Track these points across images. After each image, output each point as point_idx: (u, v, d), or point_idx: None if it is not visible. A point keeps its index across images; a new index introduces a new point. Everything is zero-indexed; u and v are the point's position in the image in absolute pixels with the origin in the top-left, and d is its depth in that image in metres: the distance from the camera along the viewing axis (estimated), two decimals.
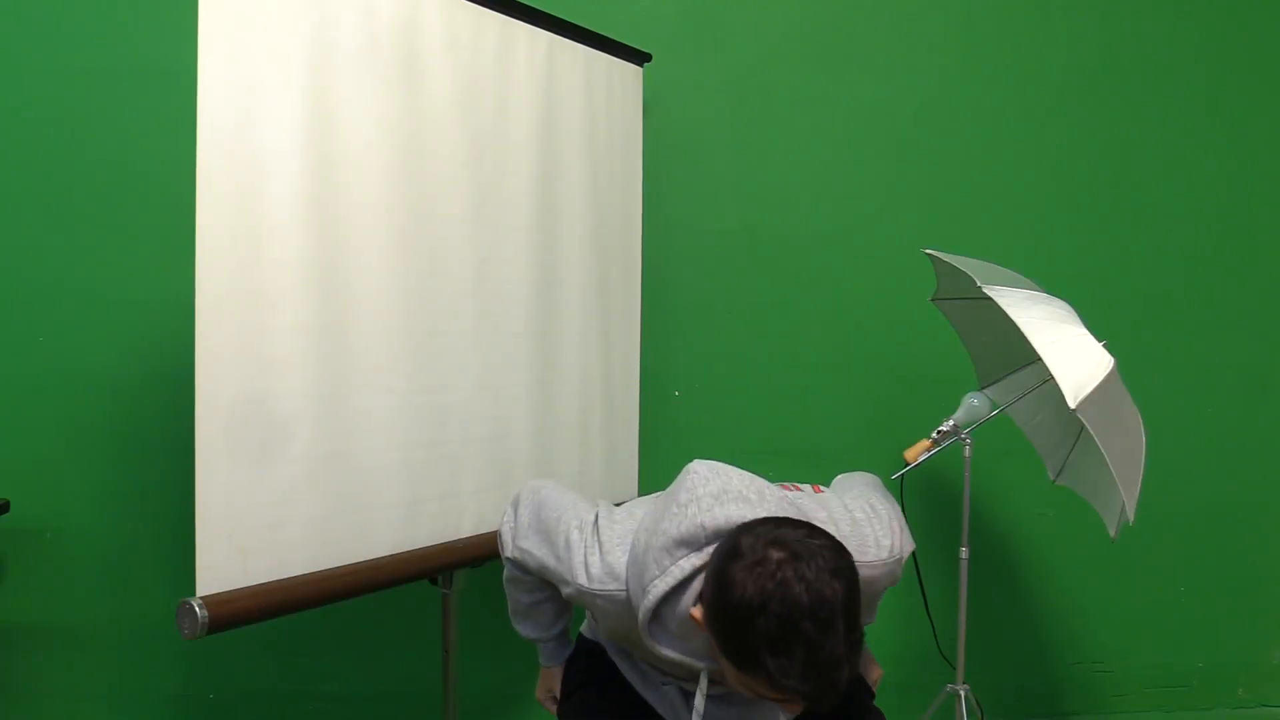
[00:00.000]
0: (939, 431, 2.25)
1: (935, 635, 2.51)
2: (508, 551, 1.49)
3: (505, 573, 1.55)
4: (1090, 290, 2.79)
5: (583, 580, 1.30)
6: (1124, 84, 2.86)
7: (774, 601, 1.04)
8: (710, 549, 1.20)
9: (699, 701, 1.29)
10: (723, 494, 1.23)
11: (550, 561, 1.37)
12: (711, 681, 1.33)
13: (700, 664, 1.24)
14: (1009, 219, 2.84)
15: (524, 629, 1.60)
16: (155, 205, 2.48)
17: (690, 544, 1.20)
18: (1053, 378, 1.81)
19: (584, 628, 1.68)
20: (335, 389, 1.75)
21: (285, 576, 1.65)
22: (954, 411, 2.26)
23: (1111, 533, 2.09)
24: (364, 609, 2.57)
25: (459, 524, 2.00)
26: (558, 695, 1.63)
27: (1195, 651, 2.95)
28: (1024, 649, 2.90)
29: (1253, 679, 2.97)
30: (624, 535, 1.31)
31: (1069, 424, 2.24)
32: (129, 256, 2.49)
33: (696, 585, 1.20)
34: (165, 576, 2.52)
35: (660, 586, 1.20)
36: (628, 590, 1.26)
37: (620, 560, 1.28)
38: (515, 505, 1.51)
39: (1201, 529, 2.92)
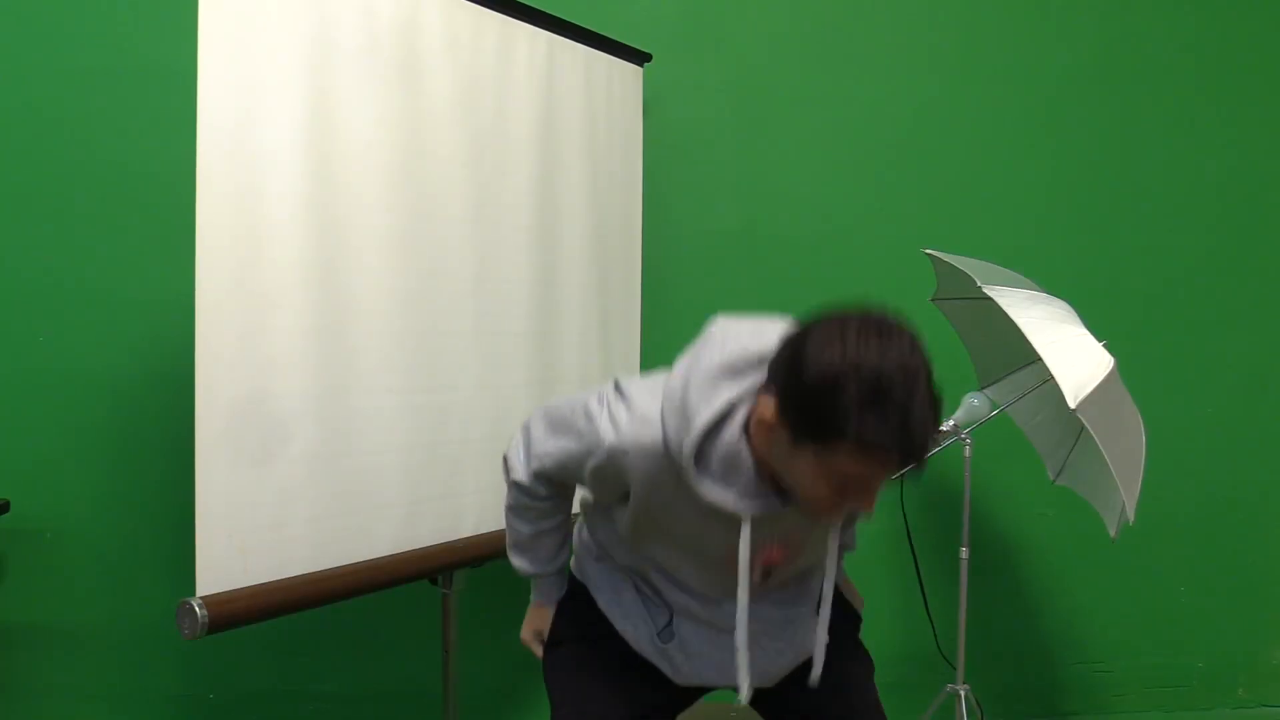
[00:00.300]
0: (939, 431, 2.25)
1: (935, 635, 2.51)
2: (517, 474, 1.43)
3: (509, 500, 1.48)
4: (1090, 290, 2.79)
5: (611, 438, 1.23)
6: (1123, 84, 2.86)
7: (863, 367, 1.01)
8: (750, 379, 1.18)
9: (745, 532, 1.23)
10: (758, 329, 1.22)
11: (572, 445, 1.32)
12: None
13: (744, 505, 1.20)
14: (1009, 219, 2.84)
15: (522, 562, 1.53)
16: (155, 205, 2.48)
17: (734, 370, 1.19)
18: (1053, 378, 1.81)
19: (573, 565, 1.59)
20: (335, 389, 1.75)
21: (285, 576, 1.66)
22: (954, 411, 2.26)
23: (1111, 533, 2.09)
24: (364, 609, 2.56)
25: (459, 524, 2.00)
26: (545, 637, 1.55)
27: (1195, 651, 2.95)
28: (1024, 649, 2.90)
29: (1253, 679, 2.97)
30: (653, 387, 1.27)
31: (1069, 424, 2.24)
32: (129, 256, 2.49)
33: (739, 416, 1.18)
34: (165, 576, 2.52)
35: (706, 414, 1.16)
36: (664, 434, 1.21)
37: (653, 406, 1.23)
38: (525, 428, 1.46)
39: (1201, 529, 2.92)
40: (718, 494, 1.20)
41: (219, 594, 1.55)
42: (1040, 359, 1.84)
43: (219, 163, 1.55)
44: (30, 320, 2.47)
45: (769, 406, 1.11)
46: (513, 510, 1.48)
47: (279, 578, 1.64)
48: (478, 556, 2.01)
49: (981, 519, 2.84)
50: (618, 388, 1.30)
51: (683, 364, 1.24)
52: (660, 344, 2.70)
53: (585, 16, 2.34)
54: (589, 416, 1.29)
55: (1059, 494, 2.50)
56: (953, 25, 2.81)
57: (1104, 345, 1.92)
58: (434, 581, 2.02)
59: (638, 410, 1.24)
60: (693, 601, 1.40)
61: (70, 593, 2.52)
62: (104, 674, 2.54)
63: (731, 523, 1.24)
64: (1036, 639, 2.91)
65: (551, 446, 1.37)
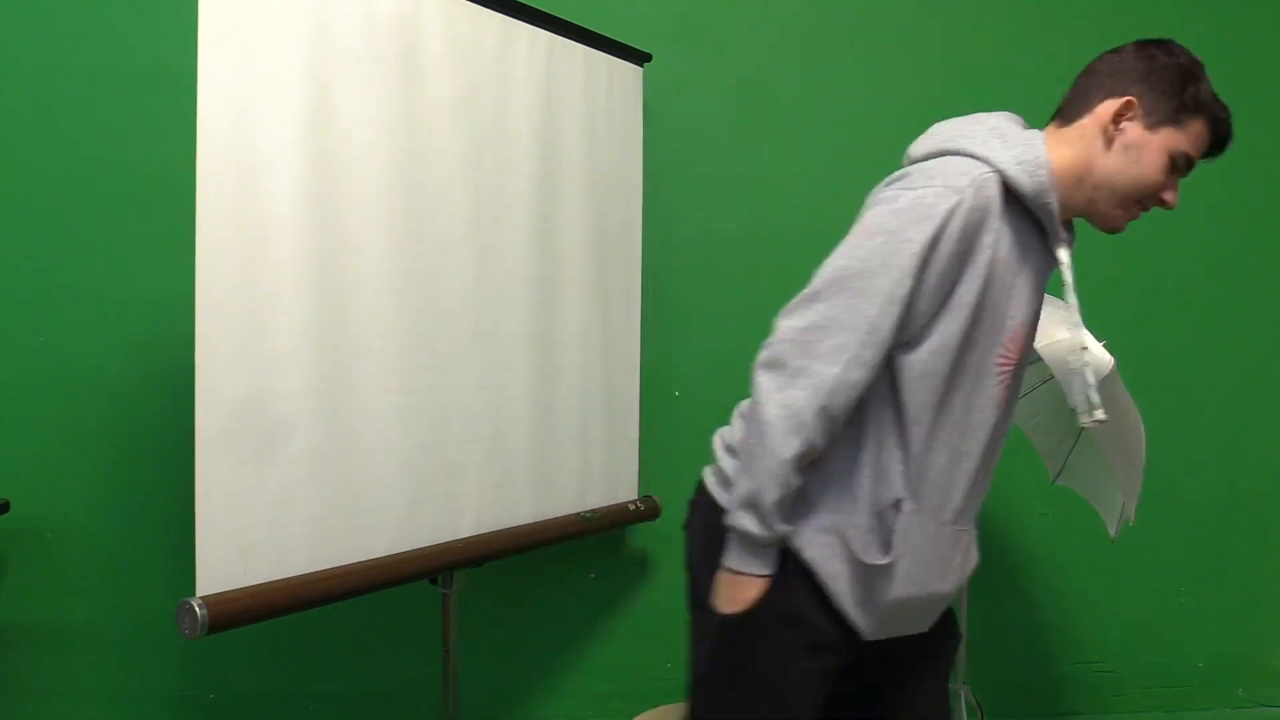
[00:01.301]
0: None
1: None
2: (801, 411, 1.20)
3: (792, 449, 1.18)
4: (1090, 289, 2.78)
5: (958, 184, 1.23)
6: None
7: (1201, 67, 1.31)
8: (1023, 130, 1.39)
9: (1063, 255, 1.39)
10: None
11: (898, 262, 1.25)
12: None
13: (1061, 237, 1.37)
14: None
15: (780, 524, 1.22)
16: (155, 205, 2.48)
17: (1006, 126, 1.39)
18: (1053, 377, 1.81)
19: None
20: (335, 389, 1.75)
21: (285, 576, 1.66)
22: None
23: (1112, 532, 2.09)
24: (364, 609, 2.56)
25: (459, 524, 2.00)
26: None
27: (1195, 651, 2.95)
28: (1024, 649, 2.90)
29: (1253, 679, 2.97)
30: (932, 166, 1.30)
31: (1069, 424, 2.25)
32: (129, 256, 2.49)
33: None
34: (165, 576, 2.52)
35: (1031, 136, 1.36)
36: (992, 163, 1.29)
37: (954, 161, 1.28)
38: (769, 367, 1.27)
39: (1201, 529, 2.92)
40: (1044, 213, 1.31)
41: (219, 594, 1.55)
42: (1040, 359, 1.84)
43: (219, 163, 1.55)
44: (30, 320, 2.47)
45: (1119, 104, 1.32)
46: (799, 458, 1.20)
47: (279, 578, 1.65)
48: (478, 556, 2.01)
49: (982, 519, 2.84)
50: (894, 184, 1.29)
51: (948, 139, 1.34)
52: (660, 344, 2.70)
53: (585, 16, 2.34)
54: (911, 208, 1.24)
55: (1059, 494, 2.50)
56: (953, 25, 2.81)
57: (1104, 345, 1.92)
58: (434, 581, 2.02)
59: (949, 166, 1.27)
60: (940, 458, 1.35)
61: (70, 593, 2.52)
62: (104, 674, 2.54)
63: (1035, 286, 1.39)
64: (1036, 639, 2.91)
65: (872, 303, 1.28)
